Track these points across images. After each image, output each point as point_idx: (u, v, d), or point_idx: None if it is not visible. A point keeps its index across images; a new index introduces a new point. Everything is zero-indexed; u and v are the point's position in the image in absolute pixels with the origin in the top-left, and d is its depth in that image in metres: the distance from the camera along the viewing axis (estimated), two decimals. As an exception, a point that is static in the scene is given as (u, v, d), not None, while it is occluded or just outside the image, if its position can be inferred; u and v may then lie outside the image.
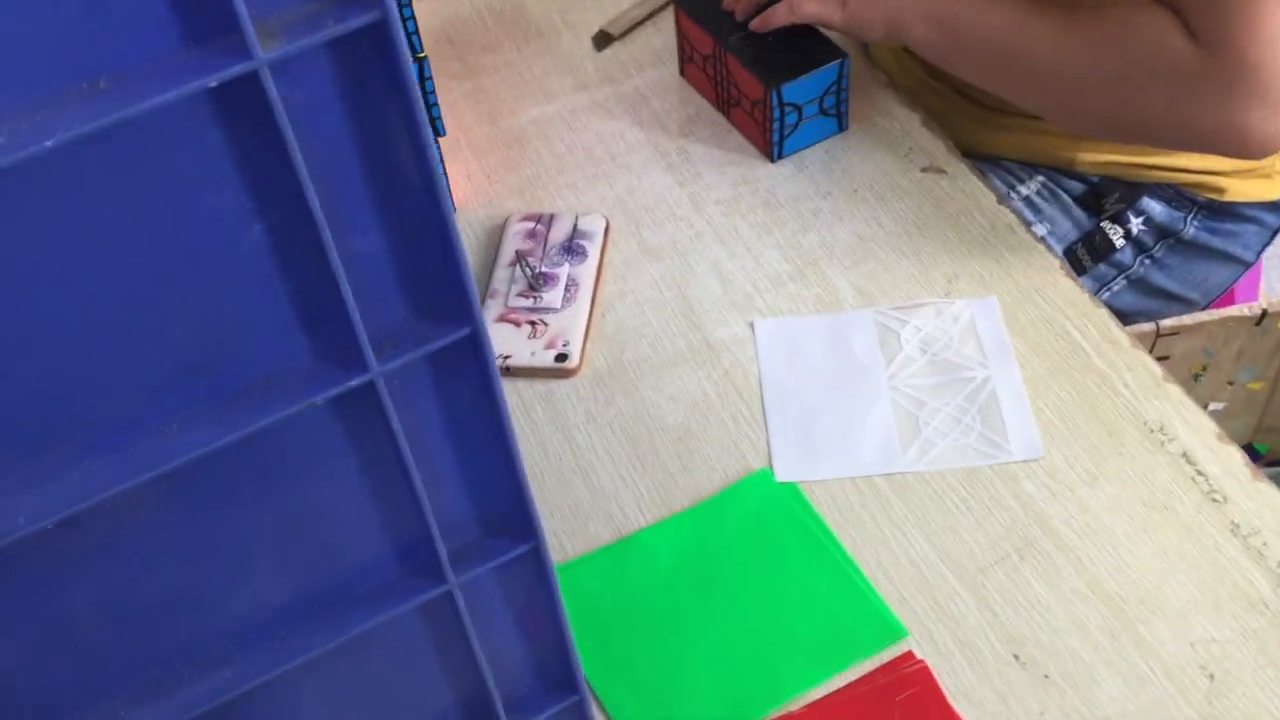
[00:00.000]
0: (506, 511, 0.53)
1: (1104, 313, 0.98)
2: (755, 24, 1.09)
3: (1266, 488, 0.87)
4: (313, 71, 0.39)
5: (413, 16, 0.98)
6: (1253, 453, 1.35)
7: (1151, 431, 0.91)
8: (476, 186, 1.13)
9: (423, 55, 1.00)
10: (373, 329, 0.45)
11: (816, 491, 0.90)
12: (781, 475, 0.91)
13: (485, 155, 1.16)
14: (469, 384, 0.48)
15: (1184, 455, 0.89)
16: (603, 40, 1.25)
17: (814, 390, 0.96)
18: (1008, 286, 1.00)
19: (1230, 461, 0.88)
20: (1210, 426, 0.90)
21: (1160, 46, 0.93)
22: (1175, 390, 0.93)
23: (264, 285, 0.43)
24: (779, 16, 1.09)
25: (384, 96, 0.40)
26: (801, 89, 1.08)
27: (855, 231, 1.06)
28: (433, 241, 0.44)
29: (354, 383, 0.45)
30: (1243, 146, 0.94)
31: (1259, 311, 1.17)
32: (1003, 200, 1.07)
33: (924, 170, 1.10)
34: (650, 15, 1.26)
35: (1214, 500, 0.86)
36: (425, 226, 0.43)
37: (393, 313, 0.46)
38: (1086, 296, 0.99)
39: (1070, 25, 0.97)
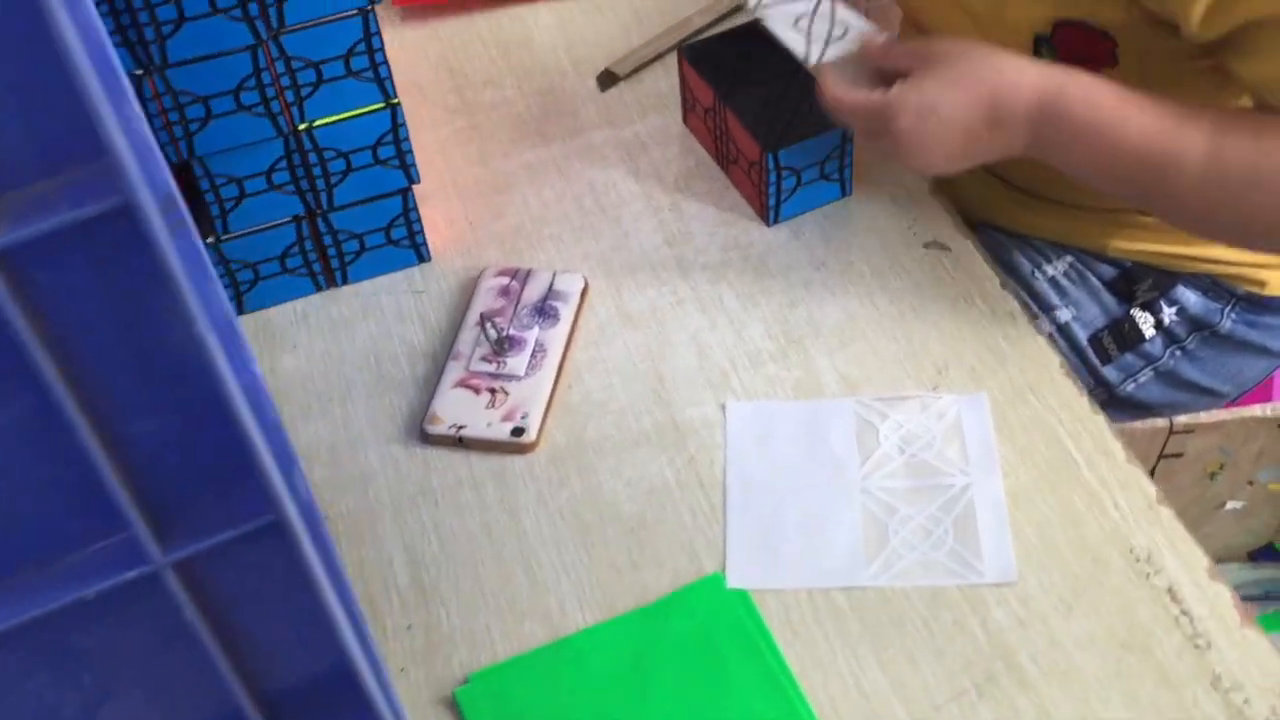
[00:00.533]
0: (340, 690, 0.48)
1: (1101, 420, 0.91)
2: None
3: (1255, 636, 0.79)
4: (55, 253, 0.34)
5: (385, 62, 0.93)
6: (1273, 552, 1.27)
7: (1138, 561, 0.84)
8: (457, 233, 1.08)
9: (395, 101, 0.95)
10: (161, 516, 0.40)
11: (769, 601, 0.84)
12: (734, 581, 0.85)
13: (471, 199, 1.11)
14: (280, 568, 0.43)
15: (1169, 591, 0.82)
16: (607, 80, 1.19)
17: (781, 486, 0.89)
18: (1001, 383, 0.94)
19: (1219, 602, 0.81)
20: (1201, 560, 0.83)
21: None
22: (1168, 515, 0.86)
23: (27, 472, 0.38)
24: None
25: (142, 283, 0.35)
26: (801, 153, 1.02)
27: (846, 309, 0.99)
28: (219, 426, 0.39)
29: (132, 575, 0.40)
30: None
31: (1284, 413, 1.09)
32: (1005, 284, 0.99)
33: (927, 246, 1.03)
34: (659, 56, 1.20)
35: (1196, 646, 0.79)
36: (208, 411, 0.38)
37: (183, 498, 0.41)
38: (1085, 400, 0.92)
39: (1219, 151, 0.85)
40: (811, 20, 0.98)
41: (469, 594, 0.86)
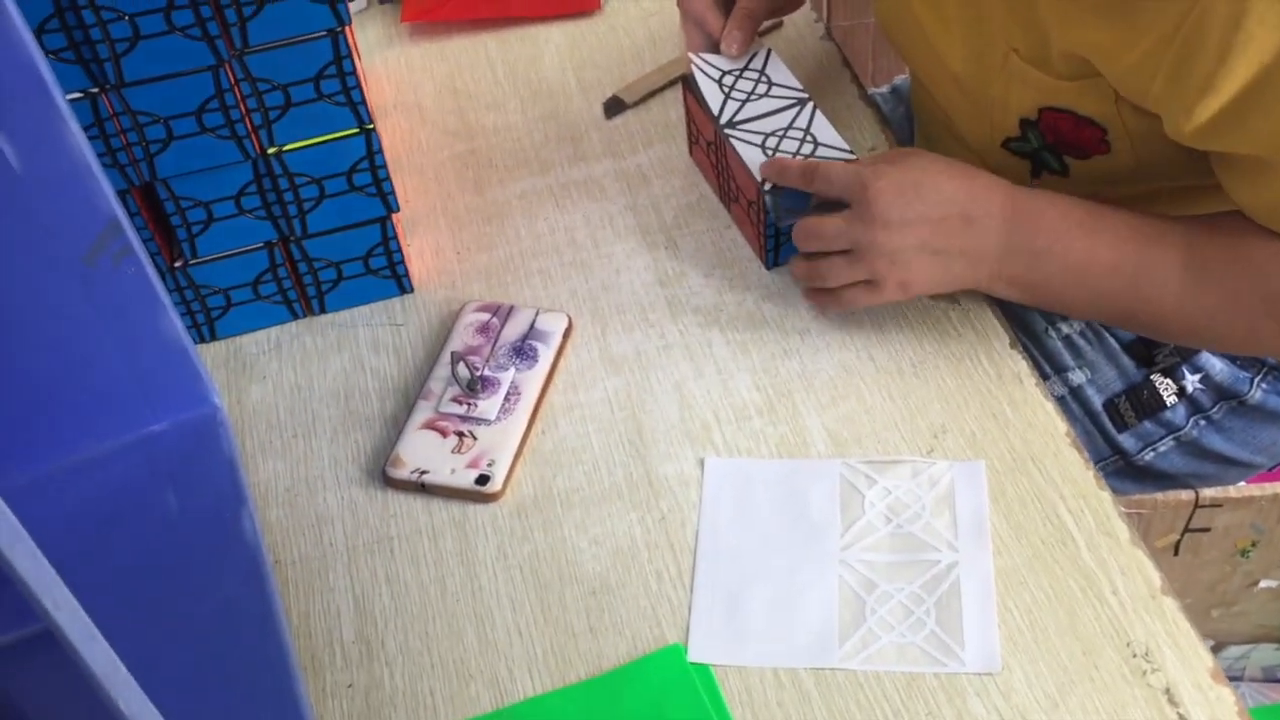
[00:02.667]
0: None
1: (1107, 497, 0.84)
2: (765, 168, 0.93)
3: (1258, 749, 0.72)
4: None
5: (358, 85, 0.88)
6: (1313, 634, 1.19)
7: (1134, 656, 0.77)
8: (443, 264, 1.03)
9: (370, 126, 0.91)
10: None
11: (731, 678, 0.78)
12: (695, 655, 0.79)
13: (461, 229, 1.06)
14: (66, 680, 0.38)
15: (1167, 692, 0.75)
16: (614, 107, 1.14)
17: (754, 552, 0.84)
18: (1001, 451, 0.87)
19: (1221, 707, 0.74)
20: (1205, 660, 0.76)
21: None
22: (1172, 606, 0.78)
23: None
24: (792, 169, 0.92)
25: None
26: (803, 193, 0.96)
27: (841, 362, 0.93)
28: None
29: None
30: None
31: (1319, 491, 1.02)
32: (1015, 343, 0.93)
33: (934, 296, 0.96)
34: (670, 84, 1.15)
35: (1192, 756, 0.72)
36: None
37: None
38: (1091, 474, 0.85)
39: (1197, 266, 0.84)
40: (783, 136, 0.97)
41: (416, 653, 0.81)
